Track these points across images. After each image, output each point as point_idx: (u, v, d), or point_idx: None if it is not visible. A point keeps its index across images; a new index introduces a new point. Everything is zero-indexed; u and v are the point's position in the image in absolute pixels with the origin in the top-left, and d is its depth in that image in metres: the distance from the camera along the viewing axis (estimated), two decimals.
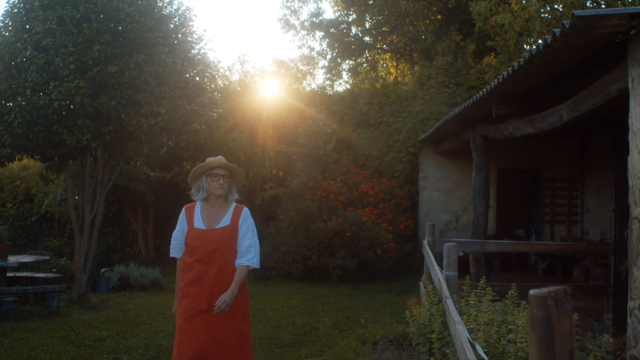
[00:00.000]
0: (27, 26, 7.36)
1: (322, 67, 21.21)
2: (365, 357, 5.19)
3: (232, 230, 3.43)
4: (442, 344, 4.05)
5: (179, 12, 8.22)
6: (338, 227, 9.83)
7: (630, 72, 3.70)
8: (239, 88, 15.00)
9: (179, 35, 8.14)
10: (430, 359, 4.27)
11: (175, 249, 3.50)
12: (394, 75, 20.67)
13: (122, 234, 13.91)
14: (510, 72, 5.24)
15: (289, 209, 10.58)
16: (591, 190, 11.51)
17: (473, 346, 3.05)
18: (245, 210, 3.54)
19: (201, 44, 8.50)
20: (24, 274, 8.43)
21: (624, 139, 3.80)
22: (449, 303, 3.98)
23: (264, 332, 6.24)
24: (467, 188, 10.93)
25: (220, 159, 3.51)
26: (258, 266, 3.52)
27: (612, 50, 4.06)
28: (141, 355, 5.39)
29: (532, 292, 1.36)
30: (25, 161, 12.23)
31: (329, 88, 19.20)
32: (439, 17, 18.19)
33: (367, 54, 21.32)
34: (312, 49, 21.54)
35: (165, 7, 8.10)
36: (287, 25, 20.99)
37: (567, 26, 3.73)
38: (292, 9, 20.85)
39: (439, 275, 5.09)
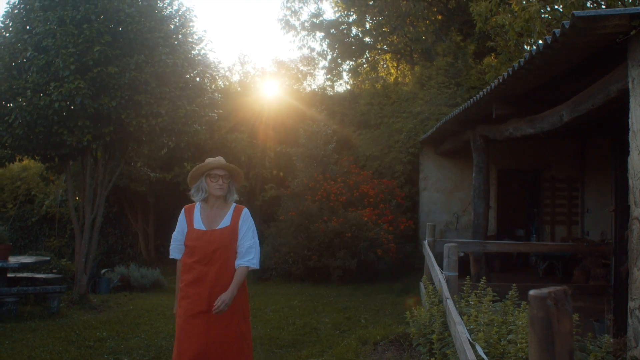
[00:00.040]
0: (28, 27, 7.37)
1: (323, 68, 21.25)
2: (366, 358, 5.19)
3: (232, 231, 3.43)
4: (442, 345, 4.05)
5: (179, 13, 8.22)
6: (338, 227, 9.83)
7: (630, 72, 3.70)
8: (239, 89, 15.01)
9: (180, 36, 8.14)
10: (430, 359, 4.27)
11: (175, 250, 3.49)
12: (394, 76, 20.68)
13: (122, 235, 13.92)
14: (511, 72, 5.24)
15: (289, 209, 10.58)
16: (591, 191, 11.51)
17: (473, 347, 3.05)
18: (245, 211, 3.54)
19: (201, 45, 8.51)
20: (25, 274, 8.43)
21: (624, 140, 3.80)
22: (450, 303, 3.98)
23: (264, 332, 6.24)
24: (468, 188, 10.93)
25: (219, 159, 3.50)
26: (258, 267, 3.51)
27: (612, 50, 4.06)
28: (142, 356, 5.39)
29: (531, 292, 1.36)
30: (25, 162, 12.23)
31: (330, 89, 19.23)
32: (439, 17, 18.19)
33: (367, 54, 21.33)
34: (312, 50, 21.58)
35: (166, 8, 8.11)
36: (288, 25, 21.01)
37: (567, 26, 3.73)
38: (293, 9, 20.88)
39: (439, 275, 5.09)
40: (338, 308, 7.73)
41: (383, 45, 21.00)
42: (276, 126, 13.32)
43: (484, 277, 4.79)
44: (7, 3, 7.55)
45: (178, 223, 3.49)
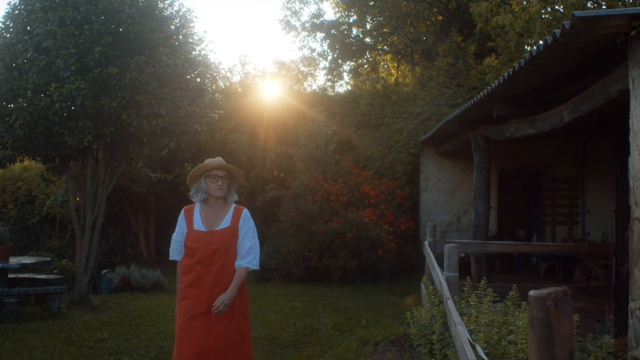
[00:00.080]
0: (28, 28, 7.37)
1: (323, 68, 21.26)
2: (367, 358, 5.19)
3: (233, 232, 3.42)
4: (442, 345, 4.05)
5: (180, 14, 8.23)
6: (339, 228, 9.83)
7: (631, 72, 3.69)
8: (240, 89, 15.02)
9: (180, 37, 8.15)
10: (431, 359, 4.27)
11: (175, 251, 3.47)
12: (394, 77, 20.68)
13: (123, 235, 13.92)
14: (511, 73, 5.24)
15: (290, 210, 10.58)
16: (592, 191, 11.50)
17: (474, 347, 3.04)
18: (245, 212, 3.53)
19: (202, 46, 8.51)
20: (26, 275, 8.43)
21: (625, 140, 3.80)
22: (450, 304, 3.98)
23: (265, 333, 6.24)
24: (468, 189, 10.93)
25: (218, 160, 3.49)
26: (258, 268, 3.51)
27: (612, 51, 4.06)
28: (142, 357, 5.39)
29: (531, 293, 1.36)
30: (26, 162, 12.25)
31: (330, 89, 19.25)
32: (440, 18, 18.19)
33: (368, 55, 21.33)
34: (313, 50, 21.65)
35: (166, 9, 8.11)
36: (288, 26, 21.02)
37: (567, 27, 3.73)
38: (293, 10, 20.88)
39: (439, 276, 5.08)
40: (339, 308, 7.73)
41: (384, 46, 21.00)
42: (277, 127, 13.33)
43: (484, 278, 4.78)
44: (8, 4, 7.56)
45: (178, 224, 3.48)
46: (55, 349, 5.61)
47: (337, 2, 19.91)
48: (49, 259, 8.83)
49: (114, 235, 13.87)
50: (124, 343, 5.87)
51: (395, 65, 21.80)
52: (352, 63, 21.16)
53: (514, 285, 4.43)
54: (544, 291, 1.34)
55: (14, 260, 7.56)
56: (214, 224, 3.43)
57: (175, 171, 12.01)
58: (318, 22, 20.42)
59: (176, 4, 8.24)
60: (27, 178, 14.28)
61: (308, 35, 20.91)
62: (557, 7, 9.39)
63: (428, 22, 17.97)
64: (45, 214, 13.70)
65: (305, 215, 10.25)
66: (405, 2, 17.04)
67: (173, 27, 8.09)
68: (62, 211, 13.35)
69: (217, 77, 11.17)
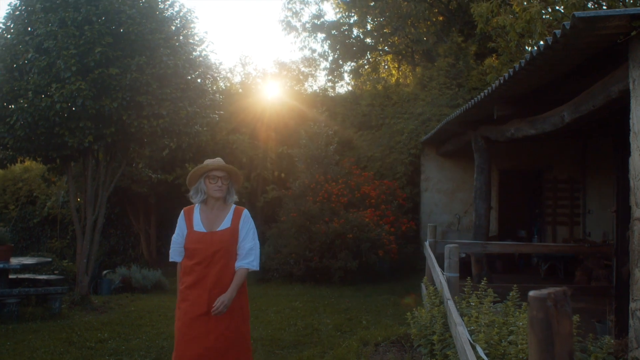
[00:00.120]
0: (29, 28, 7.38)
1: (324, 69, 21.25)
2: (367, 359, 5.19)
3: (233, 233, 3.42)
4: (443, 346, 4.04)
5: (181, 14, 8.23)
6: (340, 228, 9.83)
7: (631, 73, 3.69)
8: (240, 90, 15.03)
9: (181, 38, 8.15)
10: None
11: (175, 253, 3.45)
12: (395, 77, 20.68)
13: (124, 236, 13.93)
14: (512, 73, 5.24)
15: (290, 210, 10.58)
16: (593, 192, 11.49)
17: (474, 348, 3.04)
18: (245, 212, 3.53)
19: (203, 46, 8.51)
20: (26, 275, 8.45)
21: (626, 140, 3.79)
22: (450, 304, 3.97)
23: (265, 333, 6.24)
24: (469, 189, 10.92)
25: (218, 160, 3.49)
26: (258, 269, 3.50)
27: (613, 51, 4.06)
28: (143, 357, 5.40)
29: (531, 293, 1.36)
30: (27, 163, 12.26)
31: (331, 90, 19.24)
32: (440, 18, 18.19)
33: (368, 55, 21.33)
34: (313, 51, 21.61)
35: (167, 10, 8.12)
36: (289, 27, 21.02)
37: (567, 27, 3.73)
38: (294, 10, 20.88)
39: (440, 276, 5.08)
40: (339, 309, 7.73)
41: (384, 46, 20.99)
42: (277, 127, 13.32)
43: (485, 278, 4.78)
44: (9, 5, 7.57)
45: (177, 225, 3.46)
46: (56, 349, 5.61)
47: (338, 2, 19.91)
48: (49, 259, 8.84)
49: (115, 236, 13.87)
50: (124, 344, 5.88)
51: (396, 66, 21.80)
52: (352, 63, 21.15)
53: (515, 285, 4.42)
54: (544, 292, 1.34)
55: (14, 261, 7.57)
56: (214, 225, 3.42)
57: (176, 172, 12.01)
58: (319, 23, 20.43)
59: (177, 4, 8.26)
60: (28, 179, 14.29)
61: (309, 36, 20.93)
62: (557, 7, 9.38)
63: (429, 23, 17.98)
64: (46, 215, 13.71)
65: (306, 216, 10.25)
66: (405, 3, 17.05)
67: (174, 27, 8.10)
68: (63, 212, 13.37)
69: (218, 78, 11.17)
